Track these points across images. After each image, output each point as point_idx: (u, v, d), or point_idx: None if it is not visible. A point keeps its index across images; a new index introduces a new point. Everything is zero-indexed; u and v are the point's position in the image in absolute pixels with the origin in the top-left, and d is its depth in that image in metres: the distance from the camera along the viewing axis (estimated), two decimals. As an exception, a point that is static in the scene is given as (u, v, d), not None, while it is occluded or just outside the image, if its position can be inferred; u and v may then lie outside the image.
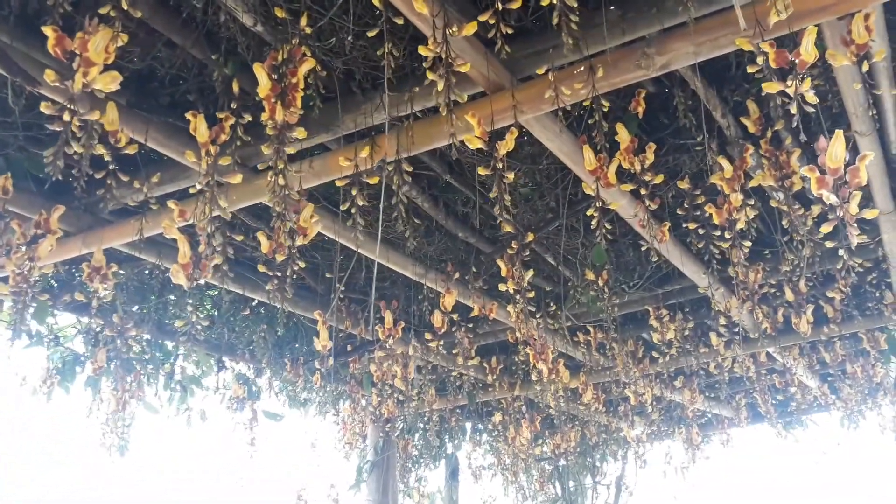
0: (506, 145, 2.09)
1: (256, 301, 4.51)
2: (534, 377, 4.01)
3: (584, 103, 2.47)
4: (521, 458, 5.88)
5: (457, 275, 3.33)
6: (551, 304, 4.30)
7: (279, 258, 2.55)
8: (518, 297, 3.04)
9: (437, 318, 3.23)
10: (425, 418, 6.11)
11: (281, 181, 2.48)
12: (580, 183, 3.11)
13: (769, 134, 2.62)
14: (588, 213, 2.39)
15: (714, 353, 4.60)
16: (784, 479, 15.64)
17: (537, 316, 4.22)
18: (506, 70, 2.25)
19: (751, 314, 4.54)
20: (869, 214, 1.54)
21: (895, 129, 2.83)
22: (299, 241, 2.45)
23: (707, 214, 2.76)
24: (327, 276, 3.86)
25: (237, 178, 2.29)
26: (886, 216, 3.26)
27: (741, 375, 5.76)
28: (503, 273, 3.07)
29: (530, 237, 3.01)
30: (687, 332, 4.45)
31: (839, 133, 1.43)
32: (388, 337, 3.22)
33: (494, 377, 5.18)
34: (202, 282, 4.43)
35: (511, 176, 2.11)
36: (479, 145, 2.06)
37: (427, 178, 3.30)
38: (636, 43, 2.15)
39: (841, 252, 2.30)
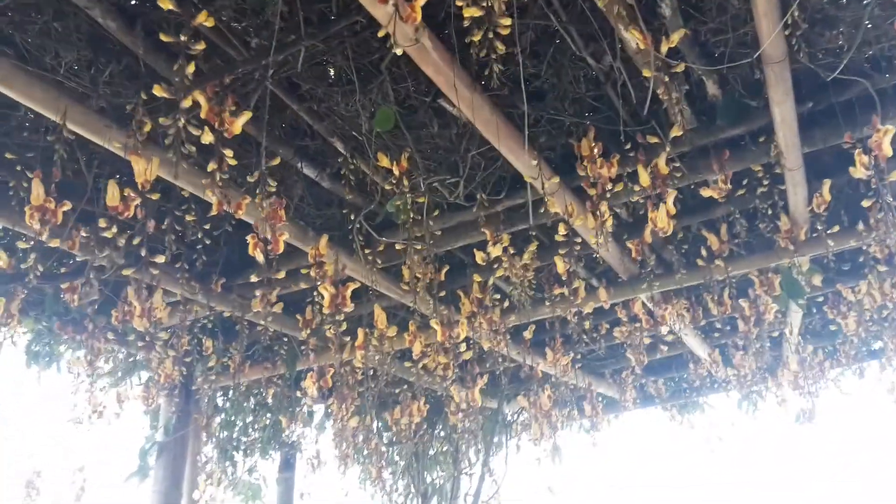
0: None
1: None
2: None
3: None
4: (356, 441, 4.76)
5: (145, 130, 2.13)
6: (357, 220, 3.21)
7: None
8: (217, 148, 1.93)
9: (111, 194, 2.07)
10: (237, 392, 4.96)
11: None
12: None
13: None
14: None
15: (571, 301, 3.51)
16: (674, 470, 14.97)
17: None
18: None
19: (618, 247, 3.58)
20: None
21: None
22: None
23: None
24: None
25: None
26: (778, 65, 2.30)
27: (621, 342, 4.82)
28: (202, 112, 1.95)
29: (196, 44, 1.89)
30: (538, 266, 3.42)
31: None
32: (32, 219, 2.06)
33: (308, 333, 4.05)
34: None
35: None
36: None
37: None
38: None
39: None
